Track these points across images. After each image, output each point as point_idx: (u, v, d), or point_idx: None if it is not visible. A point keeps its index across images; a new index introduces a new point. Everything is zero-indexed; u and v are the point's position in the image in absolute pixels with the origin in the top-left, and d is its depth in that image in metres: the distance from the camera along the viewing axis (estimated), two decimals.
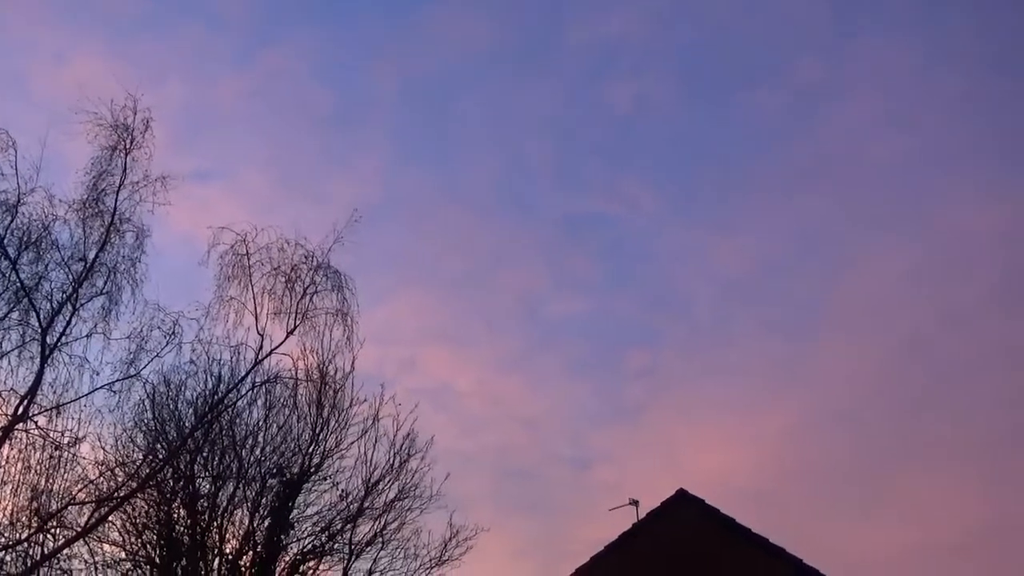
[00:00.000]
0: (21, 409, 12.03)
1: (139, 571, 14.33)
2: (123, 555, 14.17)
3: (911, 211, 55.89)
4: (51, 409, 12.42)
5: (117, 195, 13.09)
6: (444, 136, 55.47)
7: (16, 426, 11.97)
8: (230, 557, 14.37)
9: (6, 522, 12.24)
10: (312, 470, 14.93)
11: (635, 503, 16.55)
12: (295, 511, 14.84)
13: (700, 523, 15.19)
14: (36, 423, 12.34)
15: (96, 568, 13.76)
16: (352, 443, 15.10)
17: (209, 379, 14.52)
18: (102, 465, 13.33)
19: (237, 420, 14.77)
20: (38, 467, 12.23)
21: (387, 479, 15.14)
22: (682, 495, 15.43)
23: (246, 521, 14.53)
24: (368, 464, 15.03)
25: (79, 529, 12.69)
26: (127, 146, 13.21)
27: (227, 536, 14.58)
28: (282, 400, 14.99)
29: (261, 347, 13.99)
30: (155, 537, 14.42)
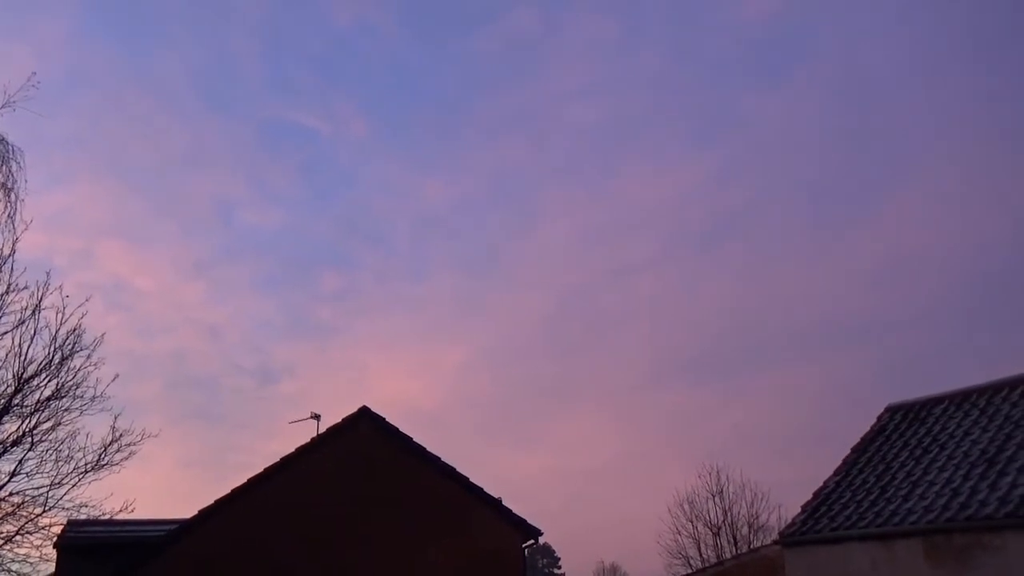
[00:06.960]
0: None
1: None
2: None
3: (594, 175, 60.76)
4: None
5: None
6: (141, 17, 49.71)
7: None
8: None
9: None
10: None
11: (317, 417, 16.77)
12: None
13: (379, 439, 15.76)
14: None
15: None
16: (5, 333, 13.51)
17: None
18: None
19: None
20: None
21: (44, 375, 13.76)
22: (364, 412, 15.85)
23: None
24: (22, 358, 13.55)
25: None
26: None
27: None
28: None
29: None
30: None
